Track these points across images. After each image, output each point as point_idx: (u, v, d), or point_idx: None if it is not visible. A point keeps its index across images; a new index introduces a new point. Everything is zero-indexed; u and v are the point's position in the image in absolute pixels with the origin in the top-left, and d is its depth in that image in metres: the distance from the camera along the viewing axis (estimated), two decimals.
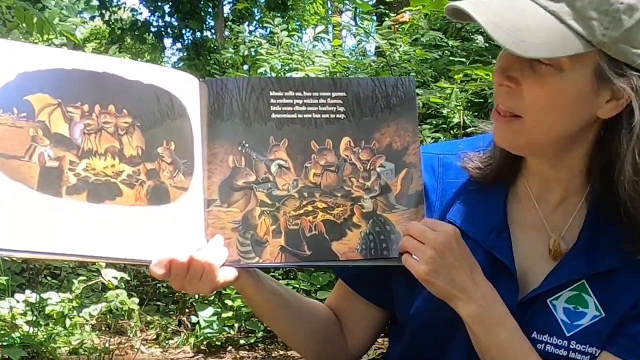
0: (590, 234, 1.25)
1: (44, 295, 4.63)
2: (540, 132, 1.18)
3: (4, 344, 4.05)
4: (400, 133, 1.26)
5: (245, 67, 6.39)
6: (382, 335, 1.53)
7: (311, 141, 1.24)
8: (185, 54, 12.93)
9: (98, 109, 1.15)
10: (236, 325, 4.65)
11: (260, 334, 4.59)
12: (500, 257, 1.27)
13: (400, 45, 4.98)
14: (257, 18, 14.09)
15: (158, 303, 5.40)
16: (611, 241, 1.23)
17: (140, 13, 13.50)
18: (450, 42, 5.13)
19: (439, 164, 1.36)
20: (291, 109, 1.24)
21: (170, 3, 12.84)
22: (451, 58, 5.07)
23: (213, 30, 13.13)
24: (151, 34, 13.23)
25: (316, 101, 1.25)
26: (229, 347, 4.67)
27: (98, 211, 1.13)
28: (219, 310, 4.62)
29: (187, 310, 5.06)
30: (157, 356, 4.63)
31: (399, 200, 1.25)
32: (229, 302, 4.57)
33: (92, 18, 12.72)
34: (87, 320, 4.65)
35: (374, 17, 7.58)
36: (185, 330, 4.89)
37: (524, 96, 1.16)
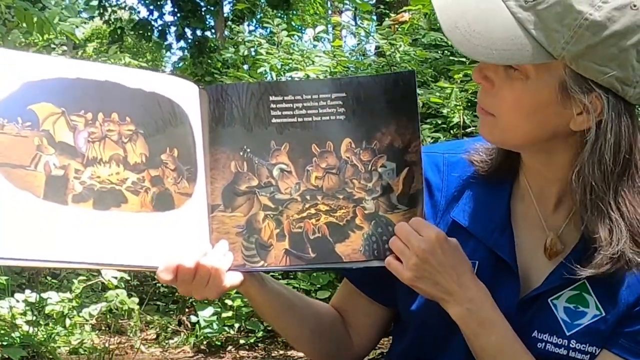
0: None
1: (44, 295, 4.63)
2: (511, 132, 1.20)
3: (4, 343, 4.06)
4: (401, 131, 1.25)
5: (245, 67, 6.39)
6: (383, 336, 1.53)
7: (312, 144, 1.25)
8: (187, 52, 12.91)
9: (101, 117, 1.16)
10: (236, 325, 4.65)
11: (260, 334, 4.60)
12: (502, 255, 1.27)
13: (400, 45, 4.98)
14: (257, 18, 14.08)
15: (158, 303, 5.40)
16: None
17: (139, 12, 13.47)
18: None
19: (444, 162, 1.36)
20: (291, 113, 1.25)
21: (171, 2, 12.83)
22: (451, 58, 5.07)
23: (213, 30, 13.12)
24: (152, 33, 13.21)
25: (316, 104, 1.25)
26: (229, 347, 4.67)
27: (104, 218, 1.14)
28: (219, 310, 4.62)
29: (187, 310, 5.07)
30: (157, 356, 4.63)
31: (401, 200, 1.25)
32: (229, 302, 4.57)
33: (92, 18, 12.71)
34: (87, 320, 4.66)
35: (374, 17, 7.58)
36: (185, 330, 4.89)
37: (496, 96, 1.18)
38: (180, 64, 13.15)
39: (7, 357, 3.87)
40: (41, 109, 1.12)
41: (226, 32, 11.78)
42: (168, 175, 1.19)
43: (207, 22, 13.02)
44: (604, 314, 1.23)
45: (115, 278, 4.58)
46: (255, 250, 1.22)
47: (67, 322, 4.58)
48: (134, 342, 4.71)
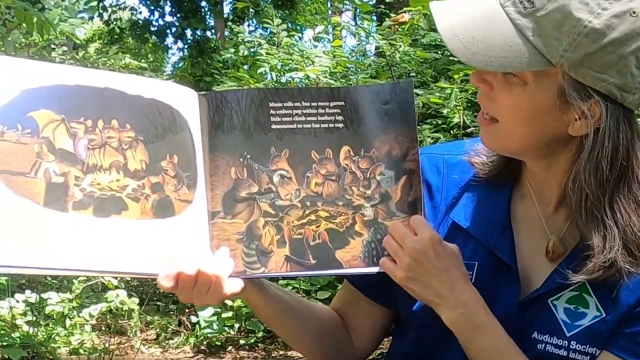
0: None
1: (44, 295, 4.64)
2: (512, 138, 1.20)
3: (4, 344, 4.06)
4: (399, 139, 1.27)
5: (245, 67, 6.39)
6: (384, 338, 1.53)
7: (311, 151, 1.25)
8: (187, 53, 12.90)
9: (101, 124, 1.16)
10: (236, 325, 4.65)
11: (260, 334, 4.60)
12: (502, 256, 1.28)
13: (400, 46, 4.98)
14: (258, 17, 14.06)
15: (158, 303, 5.40)
16: None
17: (140, 12, 13.48)
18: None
19: (444, 164, 1.37)
20: (291, 119, 1.25)
21: (171, 2, 12.82)
22: (451, 58, 5.06)
23: (213, 30, 13.11)
24: (152, 34, 13.20)
25: (315, 111, 1.25)
26: (229, 347, 4.67)
27: (105, 225, 1.14)
28: (219, 310, 4.62)
29: (187, 310, 5.07)
30: (157, 356, 4.63)
31: (399, 207, 1.26)
32: (229, 302, 4.57)
33: (91, 18, 12.69)
34: (87, 321, 4.65)
35: (374, 17, 7.58)
36: (185, 330, 4.89)
37: (496, 101, 1.19)
38: (180, 65, 13.14)
39: (7, 357, 3.88)
40: (41, 116, 1.12)
41: (226, 32, 11.76)
42: (168, 182, 1.19)
43: (207, 23, 13.01)
44: (604, 315, 1.23)
45: (116, 279, 4.58)
46: (255, 256, 1.22)
47: (67, 322, 4.58)
48: (134, 342, 4.72)
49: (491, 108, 1.20)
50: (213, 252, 1.20)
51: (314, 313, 1.44)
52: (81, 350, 4.46)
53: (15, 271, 1.08)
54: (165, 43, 13.50)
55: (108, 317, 4.79)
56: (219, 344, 4.66)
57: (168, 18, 13.18)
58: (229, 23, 11.88)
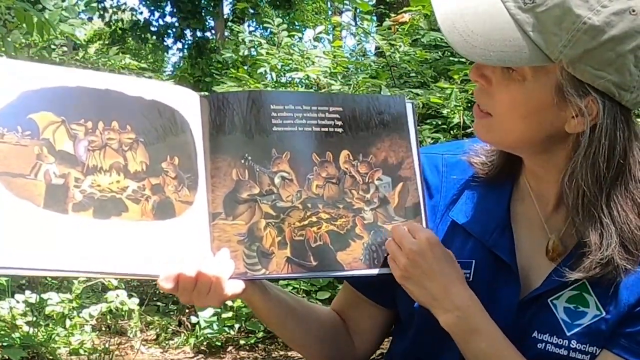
0: None
1: (44, 296, 4.64)
2: (506, 133, 1.21)
3: (4, 344, 4.06)
4: (394, 148, 1.30)
5: (245, 67, 6.38)
6: (385, 339, 1.53)
7: (312, 153, 1.26)
8: (187, 53, 12.92)
9: (102, 125, 1.16)
10: (236, 325, 4.65)
11: (260, 334, 4.60)
12: (502, 256, 1.28)
13: (401, 46, 4.98)
14: (257, 18, 14.07)
15: (158, 303, 5.40)
16: None
17: (141, 13, 13.46)
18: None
19: (443, 163, 1.37)
20: (292, 122, 1.25)
21: (171, 3, 12.82)
22: (451, 58, 5.06)
23: (213, 31, 13.11)
24: (152, 35, 13.21)
25: (315, 115, 1.26)
26: (229, 348, 4.67)
27: (105, 227, 1.13)
28: (219, 310, 4.62)
29: (187, 310, 5.07)
30: (157, 356, 4.63)
31: (397, 212, 1.28)
32: (229, 303, 4.57)
33: (91, 19, 12.68)
34: (87, 321, 4.65)
35: (374, 17, 7.58)
36: (185, 331, 4.89)
37: (493, 96, 1.19)
38: (180, 65, 13.15)
39: (7, 357, 3.88)
40: (41, 117, 1.12)
41: (226, 33, 11.77)
42: (169, 184, 1.19)
43: (207, 23, 13.02)
44: (604, 314, 1.23)
45: (116, 279, 4.57)
46: (256, 258, 1.22)
47: (67, 322, 4.58)
48: (134, 342, 4.71)
49: (487, 103, 1.20)
50: (214, 253, 1.20)
51: (315, 315, 1.44)
52: (81, 351, 4.46)
53: (14, 272, 1.08)
54: (165, 43, 13.51)
55: (108, 317, 4.79)
56: (219, 344, 4.66)
57: (168, 19, 13.19)
58: (229, 23, 11.89)
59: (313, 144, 1.26)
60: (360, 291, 1.43)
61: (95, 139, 1.15)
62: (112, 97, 1.17)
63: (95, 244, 1.12)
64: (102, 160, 1.15)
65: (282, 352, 4.54)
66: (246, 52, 6.24)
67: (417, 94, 4.46)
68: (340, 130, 1.27)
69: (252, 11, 12.76)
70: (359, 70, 5.55)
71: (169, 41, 13.43)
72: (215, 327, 4.60)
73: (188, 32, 12.75)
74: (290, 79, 5.42)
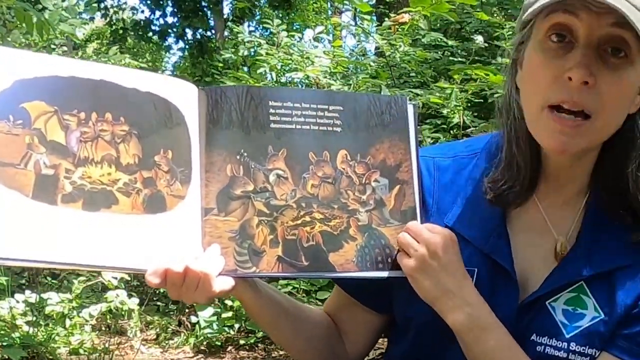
0: (589, 235, 1.25)
1: (44, 296, 4.64)
2: (606, 131, 1.17)
3: (4, 344, 4.06)
4: (393, 150, 1.28)
5: (245, 68, 6.38)
6: (382, 335, 1.53)
7: (309, 152, 1.24)
8: (187, 53, 12.92)
9: (95, 116, 1.15)
10: (236, 325, 4.65)
11: (260, 334, 4.59)
12: (500, 261, 1.26)
13: (400, 46, 4.97)
14: (257, 18, 14.07)
15: (158, 303, 5.40)
16: (610, 242, 1.24)
17: (143, 12, 13.45)
18: (450, 42, 5.12)
19: (435, 167, 1.35)
20: (290, 119, 1.24)
21: (172, 2, 12.82)
22: (451, 58, 5.07)
23: (213, 31, 13.11)
24: (154, 34, 13.21)
25: (314, 113, 1.25)
26: (229, 348, 4.67)
27: (94, 219, 1.12)
28: (219, 310, 4.62)
29: (187, 310, 5.07)
30: (157, 356, 4.63)
31: (393, 215, 1.26)
32: (229, 302, 4.57)
33: (92, 19, 12.70)
34: (87, 321, 4.66)
35: (374, 17, 7.58)
36: (185, 331, 4.89)
37: (600, 93, 1.12)
38: (181, 64, 13.15)
39: (7, 357, 3.88)
40: (33, 107, 1.10)
41: (226, 33, 11.77)
42: (161, 177, 1.18)
43: (208, 23, 13.02)
44: (602, 316, 1.22)
45: (115, 279, 4.58)
46: (247, 255, 1.20)
47: (67, 322, 4.58)
48: (134, 342, 4.71)
49: (592, 102, 1.12)
50: (204, 249, 1.18)
51: (307, 316, 1.42)
52: (81, 351, 4.46)
53: (1, 263, 1.07)
54: (167, 43, 13.51)
55: (108, 317, 4.78)
56: (219, 344, 4.66)
57: (169, 18, 13.19)
58: (229, 23, 11.89)
59: (310, 143, 1.24)
60: (351, 295, 1.41)
61: (88, 130, 1.14)
62: (107, 88, 1.16)
63: (84, 236, 1.10)
64: (93, 151, 1.14)
65: (282, 352, 4.53)
66: (246, 53, 6.24)
67: (417, 94, 4.46)
68: (339, 129, 1.25)
69: (252, 11, 12.76)
70: (358, 70, 5.54)
71: (170, 40, 13.43)
72: (215, 327, 4.60)
73: (189, 32, 12.75)
74: (290, 79, 5.42)
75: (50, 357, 4.25)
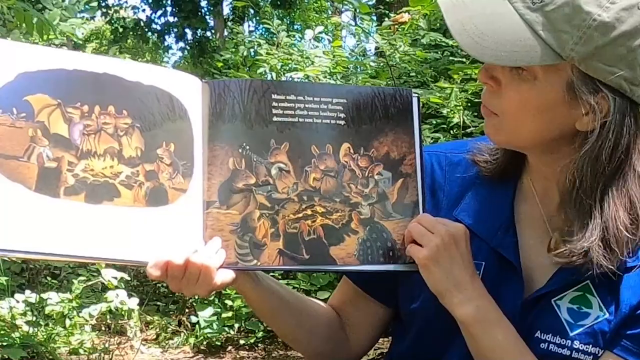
0: None
1: (44, 296, 4.64)
2: (515, 133, 1.20)
3: (4, 344, 4.06)
4: (397, 143, 1.27)
5: (245, 68, 6.39)
6: (380, 337, 1.53)
7: (312, 145, 1.24)
8: (187, 53, 12.94)
9: (98, 109, 1.15)
10: (236, 325, 4.65)
11: (260, 334, 4.60)
12: (506, 255, 1.27)
13: (400, 46, 4.98)
14: (257, 18, 14.09)
15: (158, 303, 5.41)
16: None
17: (144, 10, 13.46)
18: (450, 42, 5.12)
19: (447, 162, 1.36)
20: (292, 112, 1.24)
21: (172, 2, 12.84)
22: (451, 58, 5.07)
23: (213, 31, 13.13)
24: (153, 33, 13.24)
25: (317, 106, 1.25)
26: (229, 347, 4.68)
27: (96, 212, 1.12)
28: (219, 310, 4.63)
29: (187, 310, 5.07)
30: (157, 356, 4.64)
31: (396, 208, 1.26)
32: (229, 302, 4.57)
33: (93, 18, 12.70)
34: (87, 321, 4.66)
35: (374, 17, 7.59)
36: (185, 330, 4.89)
37: (502, 97, 1.18)
38: (180, 64, 13.16)
39: (7, 357, 3.88)
40: (37, 100, 1.11)
41: (226, 32, 11.78)
42: (163, 170, 1.18)
43: (207, 23, 13.04)
44: (607, 315, 1.23)
45: (115, 278, 4.58)
46: (248, 248, 1.20)
47: (67, 322, 4.58)
48: (134, 342, 4.72)
49: (496, 104, 1.20)
50: (206, 242, 1.18)
51: (310, 308, 1.43)
52: (81, 350, 4.46)
53: (3, 254, 1.07)
54: (166, 43, 13.53)
55: (108, 317, 4.79)
56: (219, 344, 4.67)
57: (169, 18, 13.20)
58: (229, 23, 11.90)
59: (313, 136, 1.24)
60: (359, 286, 1.42)
61: (91, 123, 1.14)
62: (110, 82, 1.16)
63: (86, 228, 1.11)
64: (96, 144, 1.14)
65: (281, 352, 4.54)
66: (246, 53, 6.24)
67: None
68: (342, 122, 1.25)
69: (252, 11, 12.78)
70: (358, 70, 5.55)
71: (170, 40, 13.46)
72: (215, 326, 4.60)
73: (189, 32, 12.77)
74: (289, 79, 5.43)
75: (50, 357, 4.25)
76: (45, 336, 4.40)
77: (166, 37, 13.35)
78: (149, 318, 5.02)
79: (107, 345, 4.55)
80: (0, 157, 1.07)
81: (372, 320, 1.44)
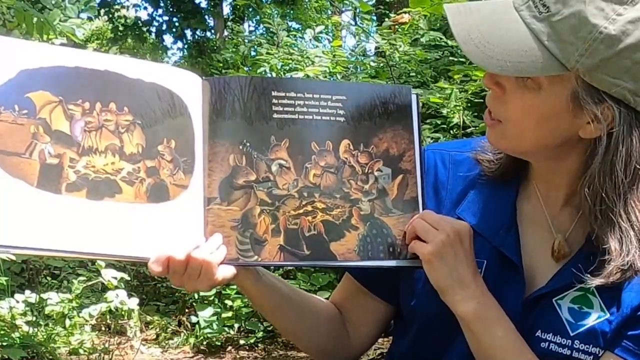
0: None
1: (44, 296, 4.64)
2: (519, 140, 1.20)
3: (4, 344, 4.06)
4: (396, 139, 1.28)
5: (246, 68, 6.40)
6: (382, 335, 1.53)
7: (312, 142, 1.25)
8: (186, 53, 12.96)
9: (99, 106, 1.16)
10: (236, 325, 4.65)
11: (260, 334, 4.60)
12: (508, 254, 1.27)
13: (400, 46, 4.99)
14: (257, 18, 14.10)
15: (158, 303, 5.40)
16: None
17: (145, 8, 13.46)
18: (450, 43, 5.13)
19: (450, 160, 1.37)
20: (292, 109, 1.25)
21: (172, 2, 12.85)
22: (451, 58, 5.08)
23: (213, 31, 13.14)
24: (152, 33, 13.26)
25: (317, 103, 1.26)
26: (229, 347, 4.68)
27: (97, 208, 1.13)
28: (219, 310, 4.63)
29: (187, 310, 5.07)
30: (157, 356, 4.64)
31: (395, 204, 1.27)
32: (229, 302, 4.58)
33: (96, 16, 12.70)
34: (87, 321, 4.66)
35: (374, 18, 7.60)
36: (185, 330, 4.89)
37: (506, 104, 1.18)
38: (180, 64, 13.17)
39: (7, 357, 3.87)
40: (38, 97, 1.12)
41: (226, 32, 11.79)
42: (164, 167, 1.19)
43: (207, 22, 13.05)
44: (608, 316, 1.23)
45: (115, 278, 4.58)
46: (249, 244, 1.21)
47: (67, 322, 4.58)
48: (134, 342, 4.71)
49: (500, 111, 1.20)
50: (207, 238, 1.19)
51: (311, 305, 1.43)
52: (81, 350, 4.46)
53: (5, 250, 1.08)
54: (165, 43, 13.55)
55: (108, 317, 4.78)
56: (219, 344, 4.67)
57: (167, 17, 13.21)
58: (229, 23, 11.90)
59: (313, 133, 1.25)
60: (361, 282, 1.42)
61: (92, 119, 1.15)
62: (111, 79, 1.17)
63: (87, 224, 1.12)
64: (97, 141, 1.15)
65: (281, 352, 4.54)
66: (246, 52, 6.25)
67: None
68: (342, 119, 1.26)
69: (252, 10, 12.79)
70: (358, 69, 5.55)
71: (169, 40, 13.48)
72: (215, 326, 4.60)
73: (188, 32, 12.78)
74: (291, 77, 5.43)
75: (50, 357, 4.25)
76: (45, 336, 4.40)
77: (165, 36, 13.38)
78: (149, 318, 5.02)
79: (107, 345, 4.54)
80: (2, 153, 1.08)
81: (374, 317, 1.45)
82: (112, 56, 1.21)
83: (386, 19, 5.40)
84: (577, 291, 1.25)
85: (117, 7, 13.04)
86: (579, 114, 1.14)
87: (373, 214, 1.26)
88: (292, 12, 13.57)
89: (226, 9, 13.46)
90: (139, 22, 13.31)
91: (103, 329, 4.91)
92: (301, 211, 1.23)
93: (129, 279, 4.83)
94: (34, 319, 4.52)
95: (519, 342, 1.22)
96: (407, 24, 5.04)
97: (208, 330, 4.61)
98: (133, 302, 4.62)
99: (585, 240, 1.25)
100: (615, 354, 1.22)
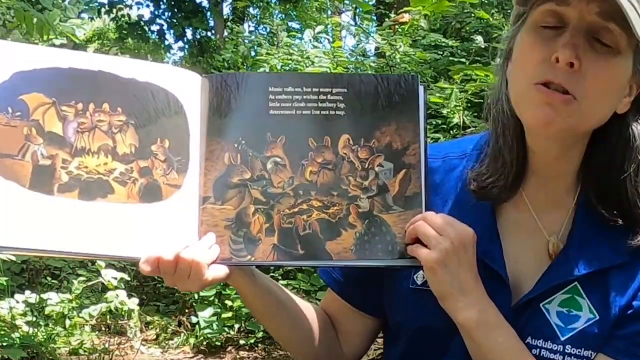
0: (580, 235, 1.24)
1: (44, 296, 4.64)
2: (590, 117, 1.15)
3: (4, 344, 4.06)
4: (400, 132, 1.23)
5: (246, 68, 6.40)
6: (381, 335, 1.52)
7: (309, 138, 1.22)
8: (187, 52, 12.95)
9: (92, 107, 1.16)
10: (236, 325, 4.65)
11: (260, 335, 4.59)
12: (492, 265, 1.24)
13: (400, 46, 4.98)
14: (257, 18, 14.09)
15: (158, 303, 5.41)
16: (602, 241, 1.23)
17: (148, 6, 13.44)
18: (450, 43, 5.13)
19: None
20: (290, 105, 1.22)
21: (172, 2, 12.85)
22: (451, 58, 5.08)
23: (213, 31, 13.14)
24: (153, 33, 13.26)
25: (316, 97, 1.23)
26: (229, 348, 4.67)
27: (89, 209, 1.13)
28: (219, 310, 4.62)
29: (187, 310, 5.07)
30: (157, 356, 4.64)
31: (396, 201, 1.22)
32: (229, 303, 4.57)
33: (98, 16, 12.70)
34: (87, 321, 4.66)
35: (374, 18, 7.59)
36: (185, 331, 4.89)
37: (585, 77, 1.11)
38: (181, 64, 13.17)
39: (7, 357, 3.88)
40: (32, 99, 1.12)
41: (226, 32, 11.78)
42: (157, 167, 1.18)
43: (207, 23, 13.05)
44: (597, 317, 1.22)
45: (115, 279, 4.58)
46: (243, 244, 1.19)
47: (67, 322, 4.58)
48: (133, 342, 4.71)
49: (577, 86, 1.11)
50: (200, 237, 1.18)
51: (305, 310, 1.40)
52: (81, 351, 4.46)
53: None
54: (166, 43, 13.55)
55: (108, 317, 4.79)
56: (219, 344, 4.66)
57: (166, 16, 13.22)
58: (229, 23, 11.90)
59: (311, 128, 1.22)
60: (343, 298, 1.39)
61: (85, 120, 1.15)
62: (105, 79, 1.17)
63: (80, 225, 1.12)
64: (90, 142, 1.15)
65: (281, 352, 4.53)
66: (246, 52, 6.24)
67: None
68: (342, 113, 1.22)
69: (252, 10, 12.79)
70: (358, 69, 5.55)
71: (170, 40, 13.47)
72: (215, 327, 4.60)
73: (189, 31, 12.78)
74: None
75: (50, 357, 4.25)
76: (45, 336, 4.40)
77: (166, 36, 13.38)
78: (149, 318, 5.02)
79: (107, 345, 4.55)
80: None
81: (361, 329, 1.42)
82: (106, 56, 1.21)
83: (386, 19, 5.40)
84: (565, 294, 1.23)
85: (120, 6, 13.03)
86: (630, 83, 1.15)
87: (372, 212, 1.22)
88: (295, 8, 13.55)
89: (226, 9, 13.46)
90: (141, 21, 13.31)
91: (103, 329, 4.92)
92: (296, 210, 1.21)
93: (129, 279, 4.83)
94: (34, 319, 4.53)
95: (519, 346, 1.21)
96: (407, 24, 5.03)
97: (208, 330, 4.60)
98: (133, 303, 4.62)
99: (568, 239, 1.24)
100: (608, 355, 1.21)
